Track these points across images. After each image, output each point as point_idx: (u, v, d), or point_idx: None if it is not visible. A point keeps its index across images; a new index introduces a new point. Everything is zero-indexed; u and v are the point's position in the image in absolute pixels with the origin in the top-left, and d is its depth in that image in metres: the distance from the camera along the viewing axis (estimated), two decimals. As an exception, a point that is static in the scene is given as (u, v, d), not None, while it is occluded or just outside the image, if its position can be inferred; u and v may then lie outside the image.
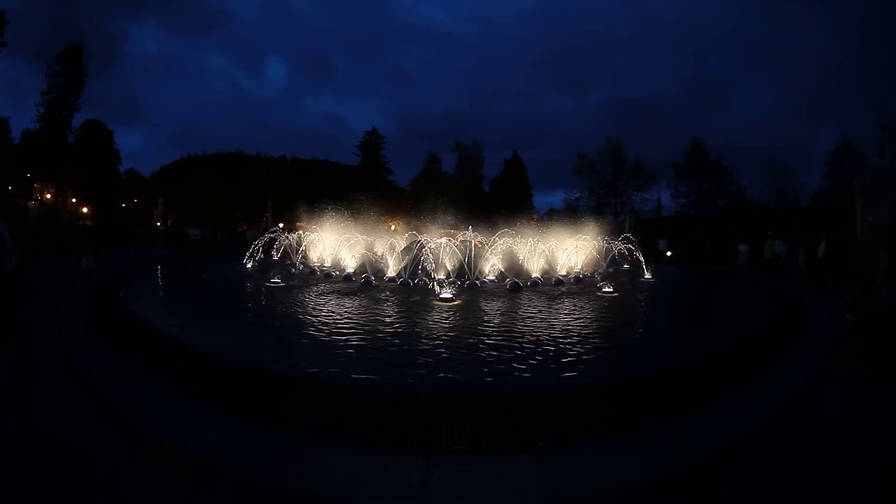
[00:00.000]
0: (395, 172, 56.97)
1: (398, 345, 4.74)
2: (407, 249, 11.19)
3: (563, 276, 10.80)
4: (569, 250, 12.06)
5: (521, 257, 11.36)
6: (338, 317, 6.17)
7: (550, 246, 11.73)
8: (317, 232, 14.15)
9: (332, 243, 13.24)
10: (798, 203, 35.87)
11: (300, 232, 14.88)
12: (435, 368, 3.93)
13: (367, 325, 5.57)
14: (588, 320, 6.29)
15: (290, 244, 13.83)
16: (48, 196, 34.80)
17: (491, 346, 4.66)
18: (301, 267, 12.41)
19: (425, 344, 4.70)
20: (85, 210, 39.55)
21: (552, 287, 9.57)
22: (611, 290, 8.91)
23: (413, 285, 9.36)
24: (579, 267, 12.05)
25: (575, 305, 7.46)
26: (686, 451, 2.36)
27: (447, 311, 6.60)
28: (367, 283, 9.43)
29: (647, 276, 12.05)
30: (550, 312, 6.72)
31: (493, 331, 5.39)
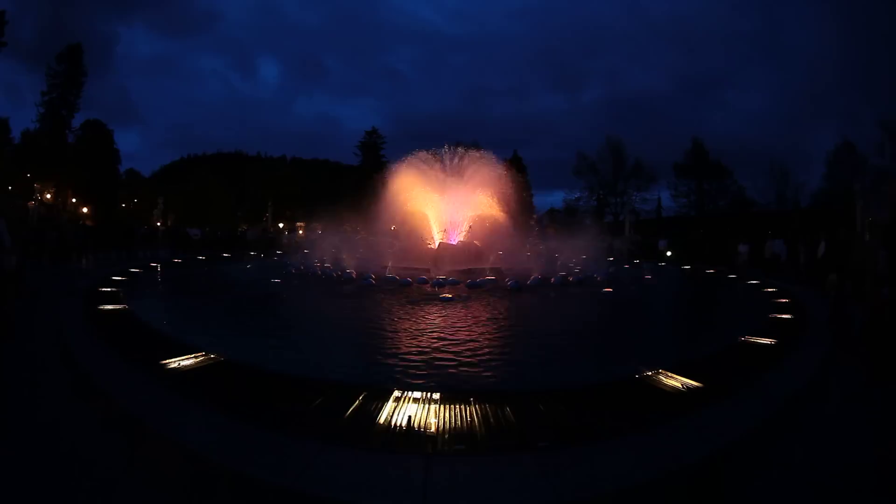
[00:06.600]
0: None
1: (398, 345, 4.74)
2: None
3: (564, 275, 10.80)
4: (569, 250, 12.06)
5: (521, 257, 11.37)
6: (337, 316, 6.18)
7: (551, 246, 11.74)
8: (317, 231, 14.15)
9: (332, 243, 13.26)
10: (798, 203, 35.76)
11: (300, 232, 14.87)
12: (435, 368, 3.93)
13: (368, 325, 5.57)
14: (588, 320, 6.29)
15: (291, 244, 13.84)
16: (48, 196, 34.74)
17: (491, 346, 4.67)
18: (301, 267, 12.42)
19: (425, 344, 4.70)
20: (85, 210, 39.46)
21: (552, 287, 9.58)
22: (611, 290, 8.92)
23: (413, 285, 9.36)
24: (580, 267, 12.06)
25: (575, 305, 7.46)
26: (686, 451, 2.36)
27: (447, 311, 6.60)
28: (368, 282, 9.44)
29: (648, 276, 12.06)
30: (551, 312, 6.72)
31: (492, 331, 5.39)
